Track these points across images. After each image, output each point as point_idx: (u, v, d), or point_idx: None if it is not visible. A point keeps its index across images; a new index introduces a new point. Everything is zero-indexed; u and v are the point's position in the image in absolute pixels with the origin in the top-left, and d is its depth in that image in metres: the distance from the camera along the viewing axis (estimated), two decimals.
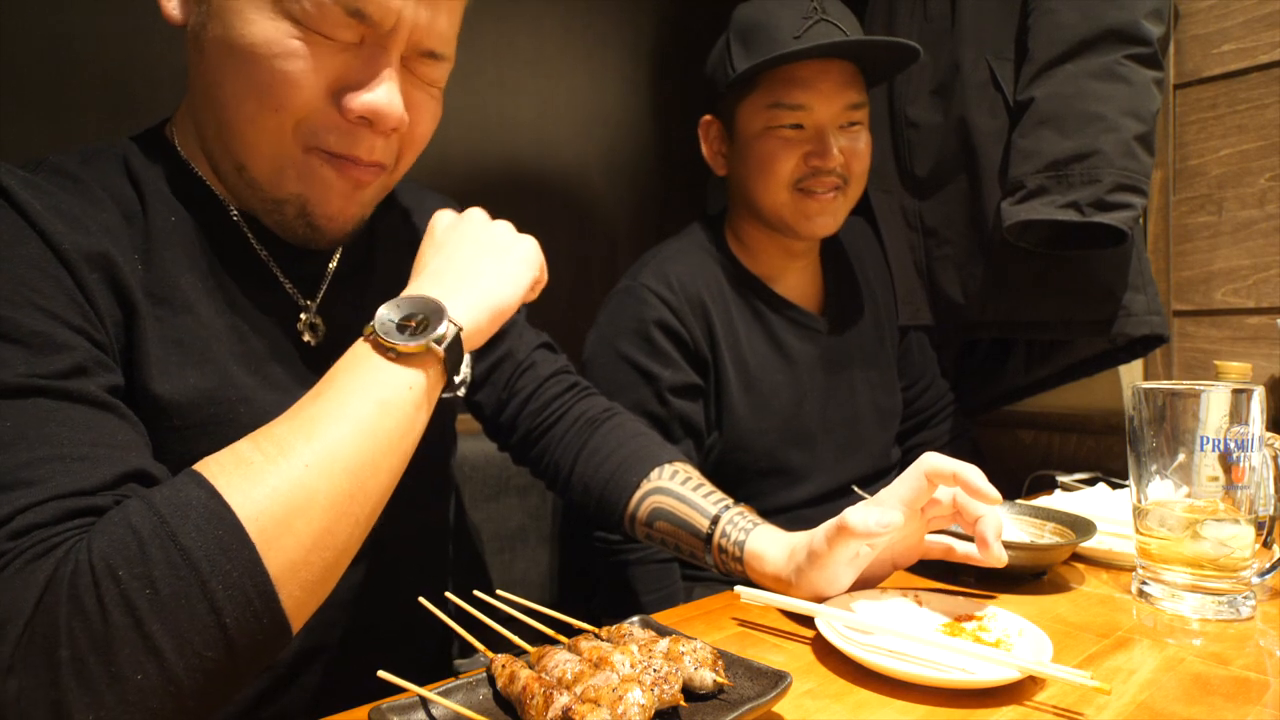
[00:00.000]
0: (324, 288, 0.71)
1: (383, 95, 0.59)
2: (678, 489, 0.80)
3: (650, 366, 1.07)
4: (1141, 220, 1.18)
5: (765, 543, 0.73)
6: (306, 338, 0.69)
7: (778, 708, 0.51)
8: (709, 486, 0.81)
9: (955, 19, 1.28)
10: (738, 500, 0.81)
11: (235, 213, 0.67)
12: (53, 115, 0.97)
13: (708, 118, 1.18)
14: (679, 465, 0.83)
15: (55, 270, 0.53)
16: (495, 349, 0.88)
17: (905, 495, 0.67)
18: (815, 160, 1.08)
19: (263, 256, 0.68)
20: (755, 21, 1.09)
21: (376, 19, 0.57)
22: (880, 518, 0.62)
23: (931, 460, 0.66)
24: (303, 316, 0.69)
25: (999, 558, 0.66)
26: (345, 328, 0.67)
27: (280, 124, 0.59)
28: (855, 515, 0.63)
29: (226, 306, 0.64)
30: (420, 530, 0.78)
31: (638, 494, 0.81)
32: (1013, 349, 1.44)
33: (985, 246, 1.28)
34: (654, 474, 0.81)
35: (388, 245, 0.79)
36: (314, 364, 0.67)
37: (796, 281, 1.20)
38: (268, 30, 0.56)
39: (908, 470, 0.68)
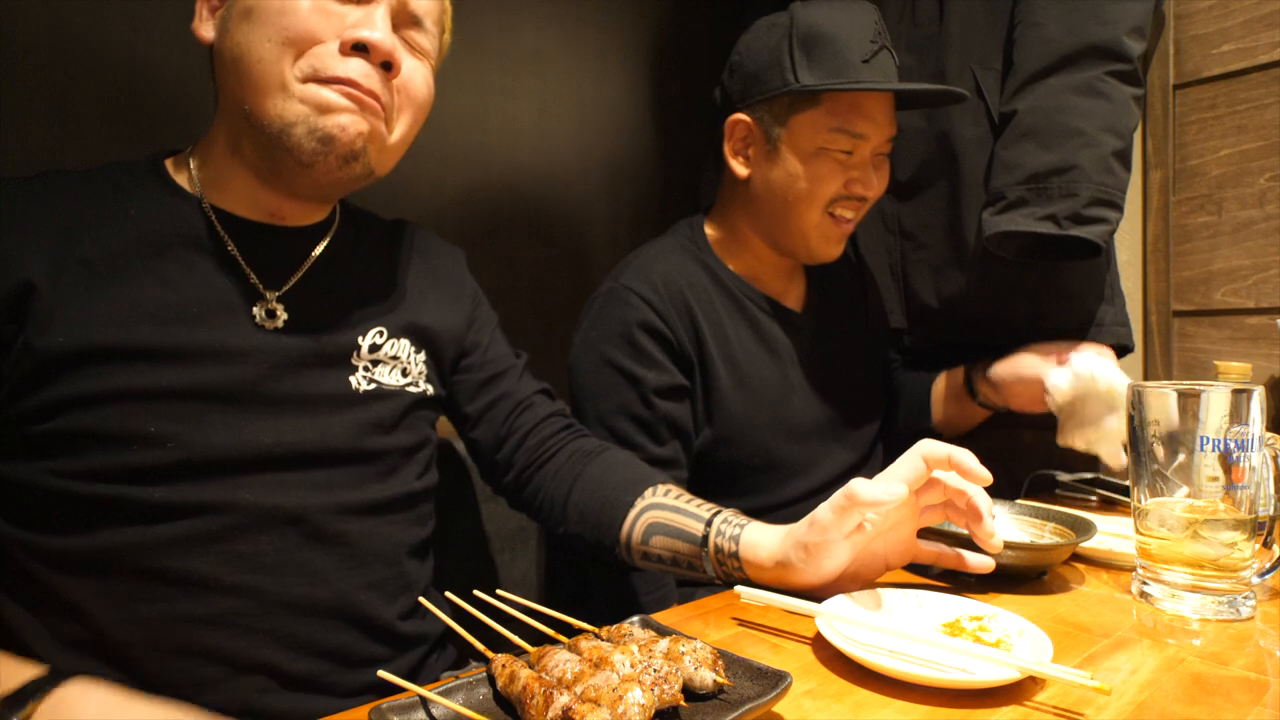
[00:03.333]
0: (297, 276, 0.76)
1: (375, 29, 0.69)
2: (670, 502, 0.82)
3: (634, 369, 1.06)
4: (1115, 234, 1.19)
5: (760, 532, 0.75)
6: (261, 320, 0.73)
7: (778, 708, 0.51)
8: (700, 500, 0.83)
9: (943, 26, 1.29)
10: (730, 503, 0.83)
11: (208, 206, 0.73)
12: (59, 122, 0.97)
13: (739, 117, 1.12)
14: (670, 485, 0.86)
15: None
16: (492, 389, 0.91)
17: (905, 475, 0.69)
18: (858, 188, 1.09)
19: (230, 250, 0.73)
20: (822, 33, 1.06)
21: None
22: (887, 487, 0.66)
23: (927, 444, 0.69)
24: (258, 305, 0.73)
25: (990, 532, 0.68)
26: (310, 315, 0.75)
27: (284, 59, 0.67)
28: (862, 484, 0.66)
29: (165, 280, 0.69)
30: (399, 562, 0.79)
31: (633, 513, 0.82)
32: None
33: (962, 252, 1.28)
34: (647, 493, 0.84)
35: (370, 254, 0.85)
36: (261, 339, 0.72)
37: (779, 280, 1.21)
38: None
39: (905, 454, 0.70)
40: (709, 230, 1.21)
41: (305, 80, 0.68)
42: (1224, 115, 1.29)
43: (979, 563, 0.73)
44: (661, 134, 1.65)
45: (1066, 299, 1.22)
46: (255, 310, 0.72)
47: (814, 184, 1.08)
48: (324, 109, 0.68)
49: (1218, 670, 0.57)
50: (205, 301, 0.70)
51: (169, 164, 0.76)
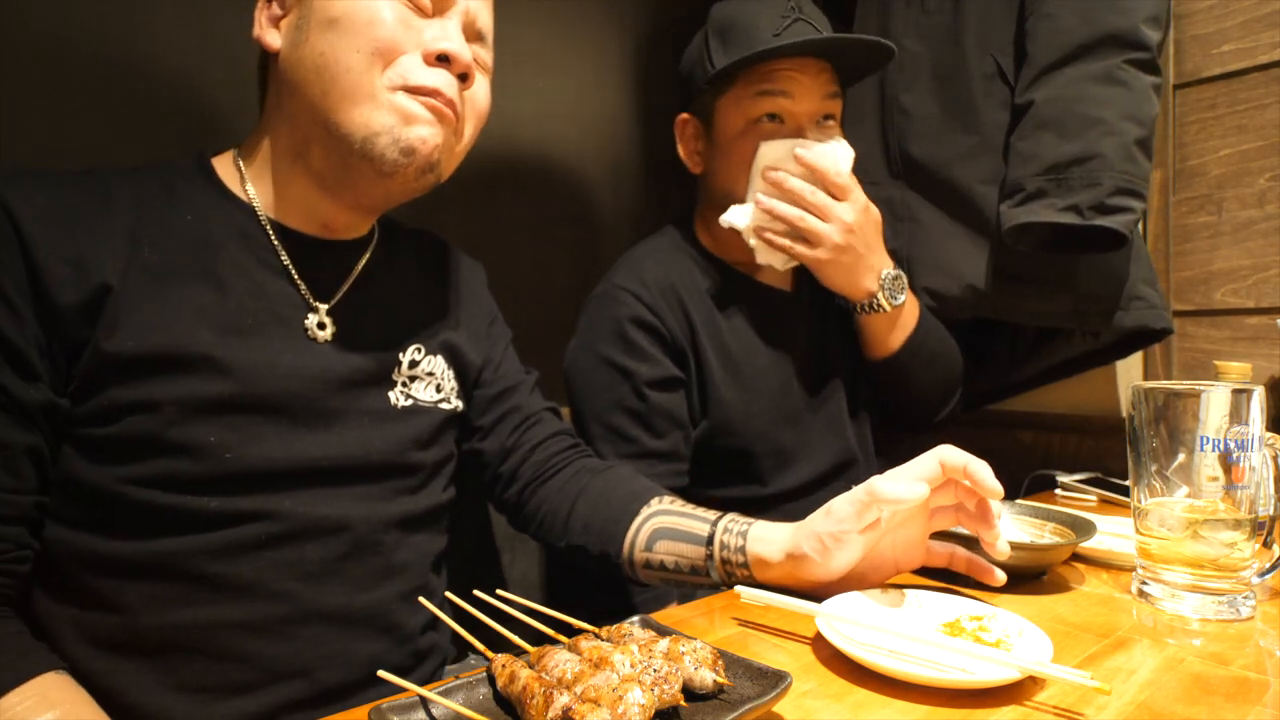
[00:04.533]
0: (344, 289, 0.77)
1: (454, 41, 0.72)
2: (677, 509, 0.83)
3: (627, 363, 1.07)
4: (1141, 223, 1.17)
5: (768, 528, 0.75)
6: (313, 334, 0.73)
7: (778, 708, 0.51)
8: (705, 509, 0.83)
9: (957, 12, 1.28)
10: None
11: (263, 216, 0.74)
12: (59, 122, 0.97)
13: (684, 116, 1.19)
14: (675, 497, 0.87)
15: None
16: (502, 403, 0.92)
17: (923, 475, 0.69)
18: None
19: (284, 261, 0.74)
20: (733, 19, 1.10)
21: None
22: (909, 485, 0.66)
23: (946, 450, 0.70)
24: (310, 317, 0.74)
25: (998, 535, 0.69)
26: (356, 330, 0.76)
27: (373, 68, 0.68)
28: (884, 481, 0.67)
29: (222, 288, 0.69)
30: (424, 573, 0.80)
31: (637, 520, 0.83)
32: (995, 349, 1.44)
33: (989, 237, 1.26)
34: (653, 501, 0.84)
35: (405, 269, 0.86)
36: (314, 354, 0.73)
37: (769, 267, 1.20)
38: (371, 1, 0.69)
39: (923, 456, 0.70)
40: (699, 224, 1.22)
41: (394, 89, 0.69)
42: (1224, 115, 1.29)
43: (998, 577, 0.72)
44: (663, 134, 1.65)
45: (1111, 282, 1.19)
46: (307, 323, 0.73)
47: (748, 159, 1.10)
48: (409, 119, 0.69)
49: (1218, 670, 0.57)
50: (260, 312, 0.71)
51: (216, 166, 0.76)
